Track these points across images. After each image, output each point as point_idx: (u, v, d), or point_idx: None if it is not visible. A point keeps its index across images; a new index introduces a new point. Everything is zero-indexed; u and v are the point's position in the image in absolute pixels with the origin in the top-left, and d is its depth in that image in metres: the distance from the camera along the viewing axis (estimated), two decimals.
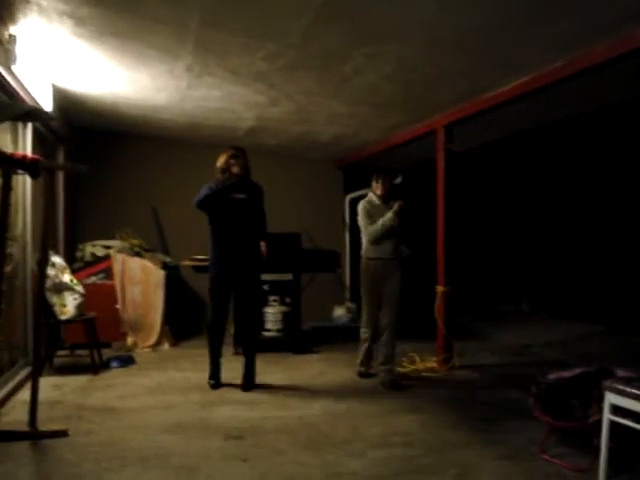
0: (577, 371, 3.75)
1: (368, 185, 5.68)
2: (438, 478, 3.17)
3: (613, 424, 3.02)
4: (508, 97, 5.24)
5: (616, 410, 3.00)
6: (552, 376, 3.78)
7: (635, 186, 8.42)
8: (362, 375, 5.54)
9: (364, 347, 5.53)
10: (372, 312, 5.40)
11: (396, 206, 5.26)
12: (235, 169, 5.00)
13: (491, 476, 3.19)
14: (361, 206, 5.46)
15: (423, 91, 5.57)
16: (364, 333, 5.51)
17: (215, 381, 5.11)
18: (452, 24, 4.05)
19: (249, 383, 5.07)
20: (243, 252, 5.02)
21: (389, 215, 5.25)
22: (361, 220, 5.42)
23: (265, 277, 6.62)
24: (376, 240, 5.30)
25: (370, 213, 5.38)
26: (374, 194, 5.50)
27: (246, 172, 5.08)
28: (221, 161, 5.03)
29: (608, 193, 8.98)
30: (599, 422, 3.11)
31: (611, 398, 3.02)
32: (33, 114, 4.39)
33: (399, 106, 6.14)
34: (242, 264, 5.02)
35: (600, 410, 3.14)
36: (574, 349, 6.88)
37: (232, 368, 5.33)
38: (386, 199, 5.45)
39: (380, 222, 5.26)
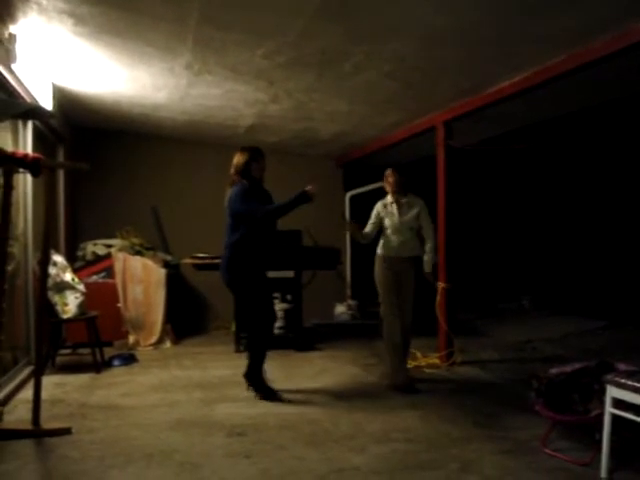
0: (578, 366, 3.76)
1: (368, 182, 5.65)
2: (440, 473, 3.17)
3: (615, 417, 3.03)
4: (508, 93, 5.24)
5: (618, 403, 3.01)
6: (553, 371, 3.78)
7: (635, 181, 8.42)
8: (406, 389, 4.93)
9: (399, 353, 5.10)
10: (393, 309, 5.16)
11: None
12: (258, 172, 4.72)
13: (493, 470, 3.19)
14: (375, 207, 5.35)
15: (423, 88, 5.58)
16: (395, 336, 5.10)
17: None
18: (451, 20, 4.05)
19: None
20: (269, 258, 4.88)
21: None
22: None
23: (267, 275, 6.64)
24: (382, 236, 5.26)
25: (379, 214, 5.28)
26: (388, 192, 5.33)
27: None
28: (239, 161, 4.67)
29: (608, 189, 8.99)
30: (601, 416, 3.12)
31: (612, 392, 3.03)
32: (34, 112, 4.41)
33: (399, 103, 6.14)
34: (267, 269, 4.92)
35: (601, 404, 3.15)
36: (575, 344, 6.87)
37: (234, 366, 5.34)
38: (399, 195, 5.22)
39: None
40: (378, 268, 5.25)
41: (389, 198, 5.29)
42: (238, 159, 4.69)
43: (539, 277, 10.14)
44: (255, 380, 4.72)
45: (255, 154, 4.70)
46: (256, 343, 4.78)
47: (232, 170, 4.70)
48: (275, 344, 6.59)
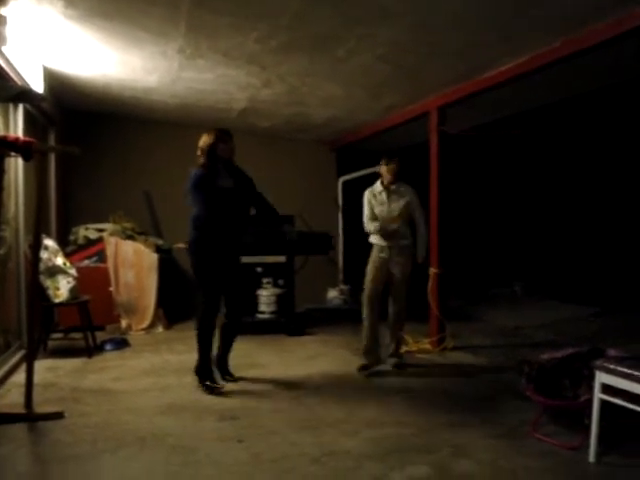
0: (569, 351, 3.80)
1: (361, 167, 5.63)
2: (432, 457, 3.20)
3: (603, 403, 3.07)
4: (503, 78, 5.24)
5: (606, 389, 3.04)
6: (544, 356, 3.82)
7: (629, 168, 8.44)
8: (365, 369, 5.13)
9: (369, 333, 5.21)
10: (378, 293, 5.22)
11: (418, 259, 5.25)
12: (224, 153, 4.53)
13: (484, 454, 3.22)
14: (365, 197, 5.29)
15: (417, 72, 5.56)
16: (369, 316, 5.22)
17: (213, 381, 4.57)
18: (446, 4, 4.04)
19: (228, 371, 4.83)
20: (234, 243, 4.69)
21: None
22: (364, 211, 5.29)
23: (258, 259, 6.64)
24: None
25: (371, 204, 5.23)
26: (382, 179, 5.25)
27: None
28: (205, 142, 4.51)
29: (601, 175, 9.00)
30: (590, 401, 3.15)
31: (602, 377, 3.06)
32: (25, 95, 4.37)
33: (393, 87, 6.13)
34: (232, 254, 4.71)
35: (591, 389, 3.18)
36: (567, 330, 6.92)
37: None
38: (392, 182, 5.19)
39: (375, 229, 5.15)
40: (373, 256, 5.25)
41: (378, 186, 5.25)
42: (204, 140, 4.52)
43: (532, 263, 10.19)
44: (199, 370, 4.59)
45: (222, 135, 4.53)
46: (198, 330, 4.60)
47: (198, 151, 4.56)
48: (267, 329, 6.65)
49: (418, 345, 5.97)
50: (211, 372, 4.58)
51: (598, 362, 3.13)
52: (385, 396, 4.36)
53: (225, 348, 4.84)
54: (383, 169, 5.21)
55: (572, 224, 9.51)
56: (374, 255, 5.23)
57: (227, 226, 4.57)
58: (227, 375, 4.80)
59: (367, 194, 5.30)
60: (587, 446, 3.14)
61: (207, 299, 4.55)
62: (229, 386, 4.59)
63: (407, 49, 4.94)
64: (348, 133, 8.58)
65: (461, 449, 3.30)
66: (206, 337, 4.55)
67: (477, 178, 10.14)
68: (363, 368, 5.09)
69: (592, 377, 3.16)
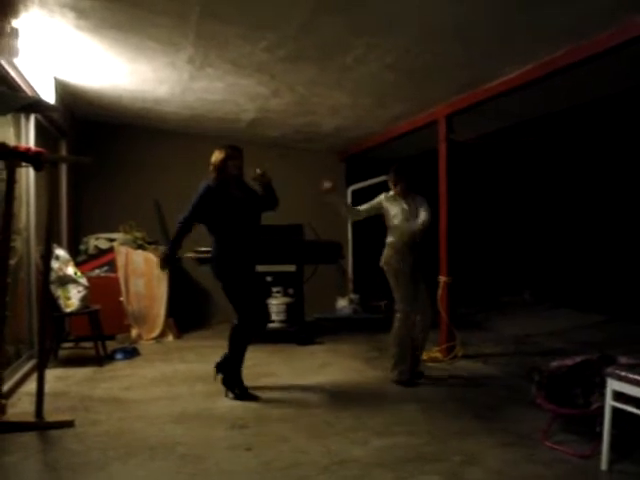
0: (579, 359, 3.77)
1: (370, 177, 5.62)
2: (442, 465, 3.18)
3: (615, 410, 3.04)
4: (509, 86, 5.24)
5: (618, 396, 3.02)
6: (554, 364, 3.80)
7: (636, 175, 8.41)
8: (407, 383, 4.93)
9: (407, 346, 5.02)
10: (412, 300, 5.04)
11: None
12: (233, 170, 4.65)
13: (494, 463, 3.21)
14: (380, 197, 5.20)
15: (425, 81, 5.58)
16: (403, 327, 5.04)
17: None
18: (453, 13, 4.05)
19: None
20: (253, 251, 4.77)
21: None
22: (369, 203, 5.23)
23: (268, 269, 6.64)
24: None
25: (384, 204, 5.13)
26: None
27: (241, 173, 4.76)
28: (217, 159, 4.65)
29: (609, 182, 8.97)
30: (601, 409, 3.13)
31: (613, 384, 3.04)
32: (36, 106, 4.42)
33: (401, 96, 6.14)
34: (253, 263, 4.80)
35: (602, 397, 3.16)
36: (576, 338, 6.88)
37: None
38: (405, 195, 5.10)
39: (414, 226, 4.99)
40: (392, 258, 5.03)
41: (396, 195, 5.18)
42: (216, 157, 4.67)
43: (541, 270, 10.14)
44: (230, 377, 4.63)
45: (232, 152, 4.67)
46: (236, 337, 4.66)
47: (210, 167, 4.69)
48: (277, 338, 6.65)
49: (428, 354, 5.95)
50: (241, 381, 4.62)
51: (609, 369, 3.11)
52: (395, 404, 4.35)
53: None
54: (390, 184, 5.20)
55: (582, 232, 9.47)
56: (397, 257, 5.00)
57: (243, 235, 4.66)
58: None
59: (383, 196, 5.18)
60: (599, 454, 3.12)
61: (243, 310, 4.61)
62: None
63: (414, 58, 4.95)
64: (357, 142, 8.59)
65: (472, 457, 3.29)
66: (245, 348, 4.63)
67: (486, 186, 10.11)
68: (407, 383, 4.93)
69: (603, 384, 3.14)
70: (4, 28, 4.06)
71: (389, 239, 5.12)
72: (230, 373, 4.62)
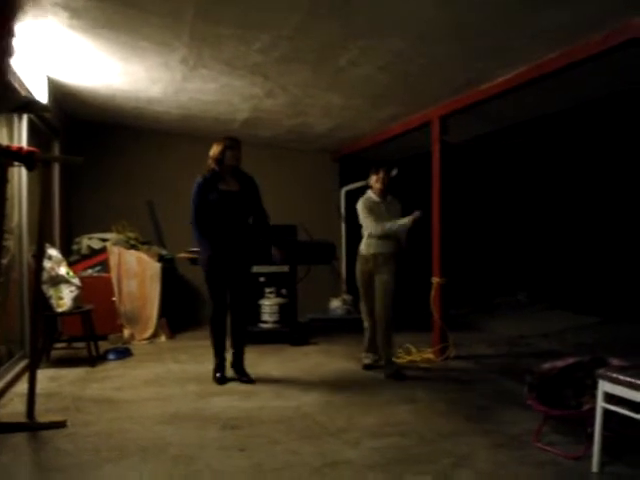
0: (571, 360, 3.80)
1: (364, 177, 5.65)
2: (433, 467, 3.19)
3: (606, 412, 3.06)
4: (503, 88, 5.25)
5: (609, 398, 3.04)
6: (546, 365, 3.82)
7: (631, 177, 8.45)
8: (366, 367, 5.50)
9: (367, 337, 5.53)
10: (369, 304, 5.42)
11: (416, 214, 5.16)
12: (231, 161, 4.88)
13: (486, 464, 3.21)
14: (361, 204, 5.34)
15: (418, 82, 5.58)
16: (365, 322, 5.54)
17: (221, 374, 5.01)
18: (447, 16, 4.06)
19: (243, 372, 5.08)
20: (236, 246, 4.95)
21: (406, 222, 5.16)
22: (364, 217, 5.31)
23: (261, 269, 6.63)
24: (368, 236, 5.32)
25: (372, 210, 5.29)
26: (372, 190, 5.40)
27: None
28: (215, 151, 4.89)
29: (604, 185, 9.01)
30: (593, 410, 3.14)
31: (605, 386, 3.05)
32: (30, 106, 4.40)
33: (394, 97, 6.15)
34: (235, 258, 4.95)
35: (594, 398, 3.17)
36: (570, 340, 6.91)
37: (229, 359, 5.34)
38: (384, 194, 5.38)
39: (396, 225, 5.18)
40: (358, 267, 5.46)
41: (374, 197, 5.38)
42: (214, 149, 4.93)
43: (535, 272, 10.18)
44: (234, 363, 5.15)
45: (230, 142, 4.91)
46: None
47: (208, 160, 4.94)
48: (270, 338, 6.65)
49: (421, 354, 5.96)
50: (222, 367, 5.06)
51: (601, 371, 3.12)
52: (387, 405, 4.35)
53: (235, 351, 5.14)
54: (373, 179, 5.40)
55: (575, 233, 9.51)
56: (360, 269, 5.41)
57: (224, 228, 4.89)
58: (243, 376, 5.04)
59: (364, 201, 5.36)
60: (590, 456, 3.13)
61: (211, 300, 5.02)
62: (232, 395, 4.59)
63: (408, 60, 4.96)
64: (350, 143, 8.60)
65: (462, 459, 3.29)
66: (215, 338, 5.08)
67: (480, 187, 10.15)
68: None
69: (595, 386, 3.15)
70: (13, 29, 4.03)
71: (361, 250, 5.49)
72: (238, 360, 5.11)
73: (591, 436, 3.13)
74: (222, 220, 4.87)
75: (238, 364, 5.11)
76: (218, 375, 5.01)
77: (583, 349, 5.91)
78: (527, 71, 4.92)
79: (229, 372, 5.09)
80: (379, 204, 5.35)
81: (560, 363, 3.79)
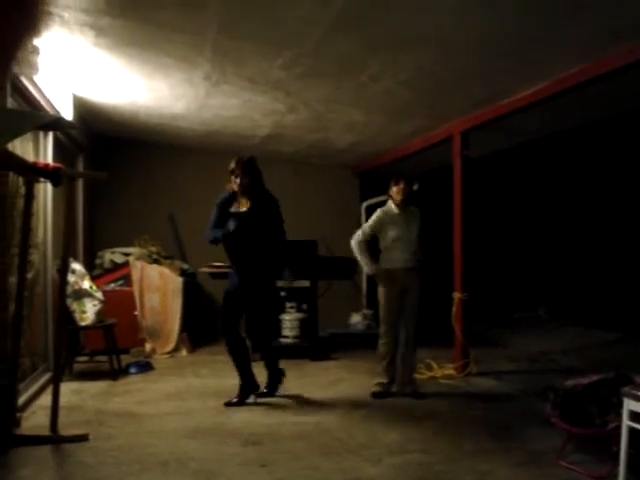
0: (595, 378, 3.73)
1: (384, 192, 5.59)
2: None
3: (632, 431, 3.00)
4: (525, 103, 5.23)
5: (635, 416, 2.99)
6: (570, 383, 3.76)
7: None
8: (376, 395, 5.08)
9: (383, 352, 5.15)
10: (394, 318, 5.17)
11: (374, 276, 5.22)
12: (234, 185, 4.75)
13: None
14: (375, 214, 5.22)
15: (440, 97, 5.59)
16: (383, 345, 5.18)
17: (242, 398, 4.81)
18: (468, 30, 4.07)
19: (272, 388, 5.06)
20: (247, 267, 4.80)
21: (366, 269, 5.27)
22: (365, 224, 5.30)
23: (282, 284, 6.64)
24: (386, 249, 5.19)
25: (383, 222, 5.14)
26: (393, 201, 5.23)
27: (251, 184, 4.74)
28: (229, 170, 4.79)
29: (626, 201, 8.91)
30: (618, 429, 3.09)
31: (630, 404, 3.00)
32: (56, 124, 4.46)
33: (416, 112, 6.16)
34: (247, 279, 4.80)
35: (619, 417, 3.12)
36: (592, 356, 6.81)
37: None
38: (405, 205, 5.20)
39: (363, 260, 5.18)
40: (382, 285, 5.18)
41: (394, 209, 5.20)
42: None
43: (556, 287, 10.06)
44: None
45: (231, 167, 4.78)
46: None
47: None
48: (290, 353, 6.63)
49: (442, 371, 5.92)
50: (248, 390, 4.86)
51: (626, 389, 3.08)
52: (408, 422, 4.33)
53: (268, 369, 5.09)
54: (393, 190, 5.22)
55: (597, 249, 9.40)
56: (386, 285, 5.14)
57: (236, 249, 4.81)
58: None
59: (380, 213, 5.22)
60: (615, 475, 3.07)
61: (222, 317, 4.94)
62: (253, 411, 4.60)
63: (430, 75, 4.97)
64: (371, 158, 8.61)
65: (484, 477, 3.26)
66: (232, 356, 4.88)
67: (501, 202, 10.08)
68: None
69: (620, 404, 3.10)
70: (28, 46, 4.13)
71: (382, 265, 5.28)
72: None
73: (616, 455, 3.08)
74: (232, 242, 4.79)
75: (270, 384, 5.06)
76: (235, 400, 4.80)
77: (605, 366, 5.81)
78: (548, 86, 4.90)
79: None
80: (396, 216, 5.17)
81: (584, 380, 3.73)
